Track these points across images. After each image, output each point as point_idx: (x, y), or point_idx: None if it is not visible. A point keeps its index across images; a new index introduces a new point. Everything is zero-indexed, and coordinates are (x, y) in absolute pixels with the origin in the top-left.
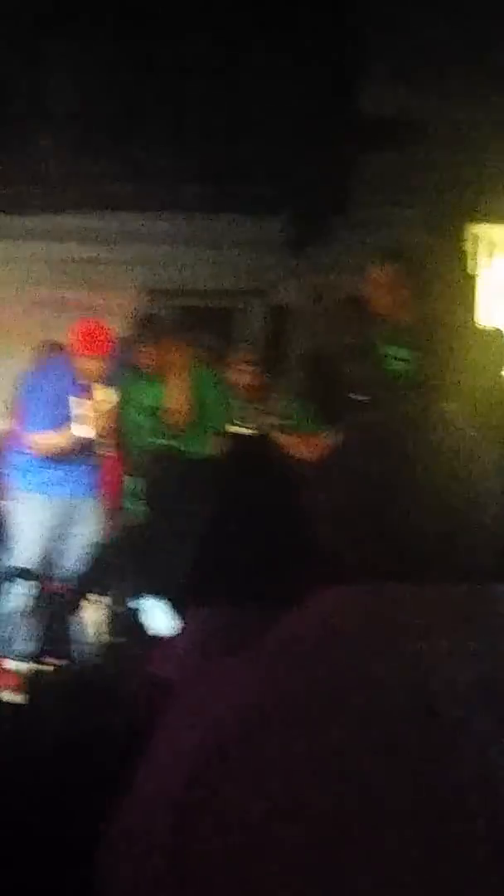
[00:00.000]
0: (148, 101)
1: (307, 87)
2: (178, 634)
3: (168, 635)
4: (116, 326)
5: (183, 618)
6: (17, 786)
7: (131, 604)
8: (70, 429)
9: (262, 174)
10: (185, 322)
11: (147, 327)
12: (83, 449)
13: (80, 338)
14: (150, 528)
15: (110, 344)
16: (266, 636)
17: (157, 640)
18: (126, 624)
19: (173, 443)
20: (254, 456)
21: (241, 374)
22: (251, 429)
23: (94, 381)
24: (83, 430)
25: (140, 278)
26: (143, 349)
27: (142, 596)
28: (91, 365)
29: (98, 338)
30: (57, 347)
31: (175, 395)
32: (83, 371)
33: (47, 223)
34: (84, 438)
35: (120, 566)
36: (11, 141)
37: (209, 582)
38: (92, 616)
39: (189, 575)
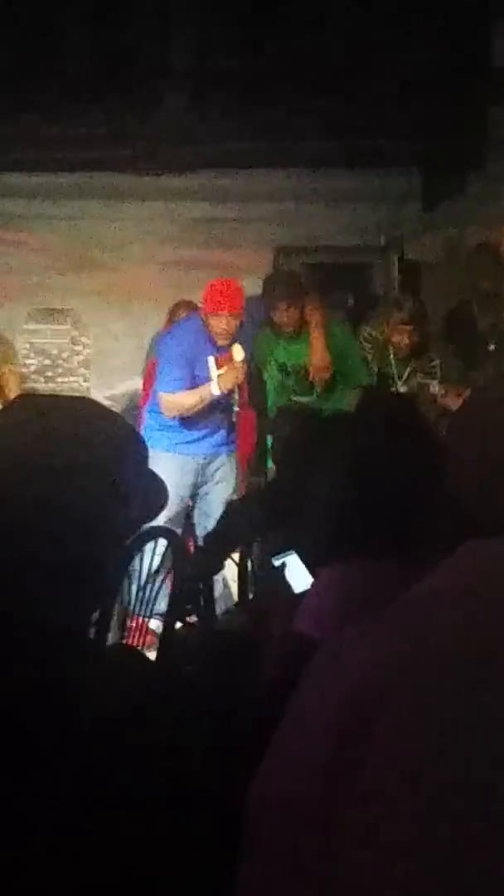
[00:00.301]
0: (276, 57)
1: (440, 41)
2: (317, 591)
3: (308, 592)
4: (249, 285)
5: (321, 574)
6: (156, 747)
7: (270, 561)
8: (205, 388)
9: (395, 128)
10: (320, 279)
11: (285, 284)
12: (218, 408)
13: (213, 296)
14: (287, 486)
15: (242, 302)
16: (409, 591)
17: (297, 597)
18: (265, 581)
19: (313, 400)
20: (399, 414)
21: (400, 334)
22: (407, 387)
23: (227, 341)
24: (218, 390)
25: (272, 236)
26: (282, 307)
27: (280, 553)
28: (224, 323)
29: (230, 296)
30: (190, 307)
31: (317, 353)
32: (216, 330)
33: (177, 183)
34: (219, 397)
35: (258, 524)
36: (140, 101)
37: (347, 538)
38: (230, 574)
39: (327, 531)
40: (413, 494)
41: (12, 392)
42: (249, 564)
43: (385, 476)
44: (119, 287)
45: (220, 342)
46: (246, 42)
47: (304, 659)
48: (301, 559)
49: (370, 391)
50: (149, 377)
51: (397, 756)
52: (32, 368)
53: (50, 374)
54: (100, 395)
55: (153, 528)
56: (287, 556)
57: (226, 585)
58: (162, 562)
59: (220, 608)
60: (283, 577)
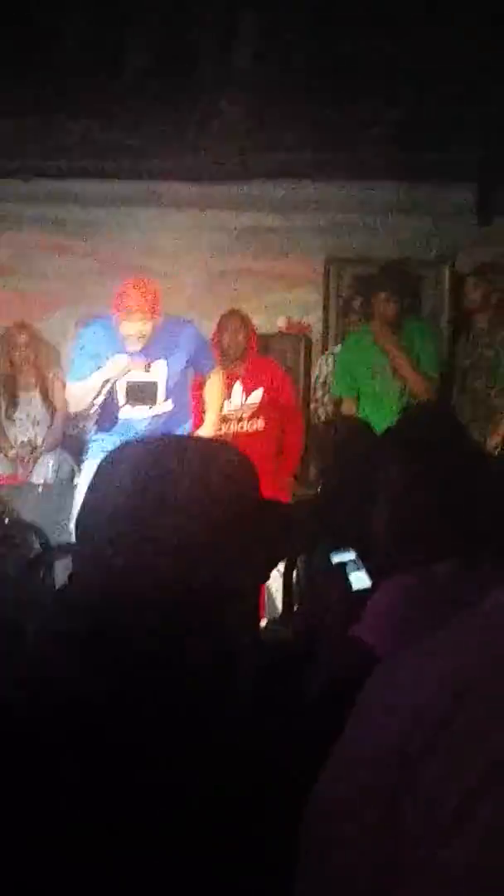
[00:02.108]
0: (334, 69)
1: (498, 54)
2: (378, 600)
3: (368, 600)
4: (299, 295)
5: (382, 584)
6: (214, 756)
7: (328, 565)
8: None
9: (450, 141)
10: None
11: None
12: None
13: (121, 298)
14: (342, 496)
15: (157, 304)
16: (476, 603)
17: (355, 604)
18: (323, 587)
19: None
20: (447, 426)
21: None
22: None
23: (139, 346)
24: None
25: (324, 247)
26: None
27: (339, 551)
28: (134, 328)
29: (139, 297)
30: (239, 317)
31: (410, 378)
32: (126, 333)
33: (231, 192)
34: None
35: (311, 535)
36: (198, 110)
37: (409, 549)
38: (275, 585)
39: (388, 542)
40: (473, 505)
41: (58, 398)
42: (295, 575)
43: (444, 486)
44: (169, 295)
45: (131, 348)
46: (303, 53)
47: (363, 670)
48: (360, 565)
49: (419, 404)
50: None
51: (462, 773)
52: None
53: None
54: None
55: None
56: (346, 554)
57: (269, 596)
58: None
59: (275, 613)
60: (342, 573)
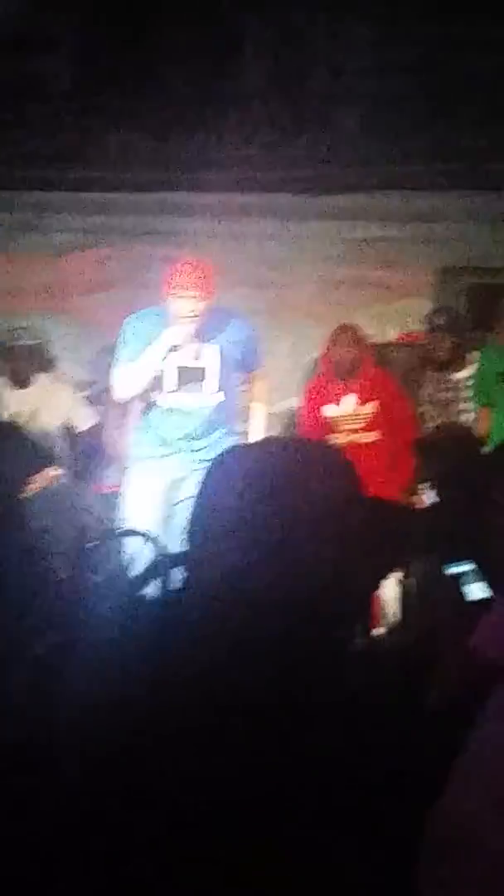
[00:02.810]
0: (447, 79)
1: None
2: (500, 612)
3: (490, 610)
4: (412, 305)
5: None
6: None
7: (444, 575)
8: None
9: None
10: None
11: None
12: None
13: (172, 277)
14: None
15: (210, 285)
16: None
17: (474, 616)
18: (438, 597)
19: None
20: None
21: None
22: None
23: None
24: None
25: (435, 256)
26: None
27: (456, 563)
28: (185, 307)
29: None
30: (352, 332)
31: None
32: (177, 313)
33: (343, 202)
34: None
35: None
36: (313, 121)
37: None
38: (395, 589)
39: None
40: None
41: None
42: (422, 579)
43: None
44: (283, 305)
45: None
46: (418, 64)
47: (482, 683)
48: (479, 575)
49: None
50: (311, 395)
51: None
52: None
53: None
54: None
55: None
56: (464, 565)
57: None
58: None
59: (389, 623)
60: (458, 586)
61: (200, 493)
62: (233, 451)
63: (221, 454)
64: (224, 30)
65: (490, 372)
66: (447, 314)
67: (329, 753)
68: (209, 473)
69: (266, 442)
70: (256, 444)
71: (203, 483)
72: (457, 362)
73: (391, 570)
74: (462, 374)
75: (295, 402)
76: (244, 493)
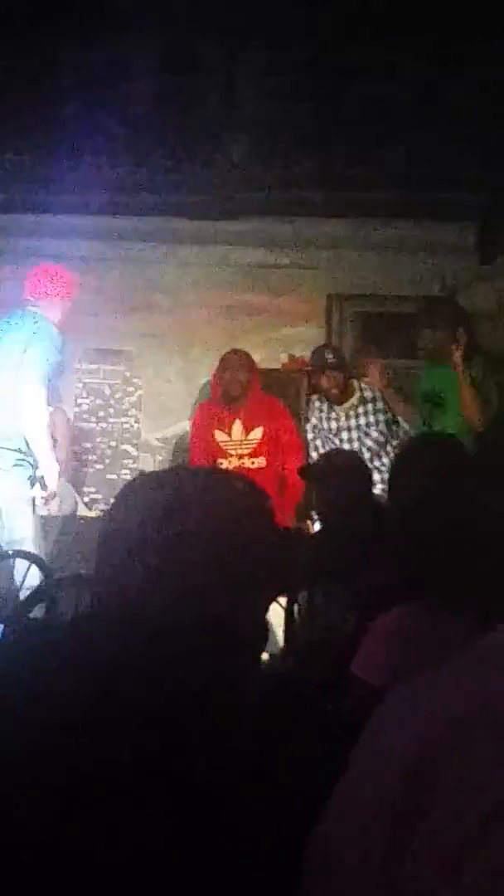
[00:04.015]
0: (339, 107)
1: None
2: (377, 635)
3: (367, 635)
4: (303, 332)
5: (380, 618)
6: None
7: (328, 600)
8: None
9: (455, 182)
10: (372, 327)
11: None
12: None
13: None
14: (342, 532)
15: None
16: (485, 637)
17: (354, 641)
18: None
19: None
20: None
21: None
22: None
23: None
24: None
25: (326, 284)
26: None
27: (331, 595)
28: None
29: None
30: (243, 356)
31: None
32: None
33: (235, 228)
34: None
35: (309, 570)
36: (201, 147)
37: (405, 584)
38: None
39: (385, 577)
40: (474, 541)
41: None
42: (296, 609)
43: (444, 522)
44: (173, 330)
45: None
46: (307, 91)
47: (367, 704)
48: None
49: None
50: (200, 419)
51: (466, 806)
52: (84, 408)
53: (102, 413)
54: (150, 437)
55: None
56: (334, 598)
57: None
58: None
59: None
60: (332, 619)
61: (107, 520)
62: (139, 478)
63: (129, 483)
64: (113, 57)
65: (420, 393)
66: (334, 352)
67: (223, 779)
68: (117, 499)
69: (172, 470)
70: (163, 472)
71: (110, 508)
72: (346, 392)
73: (278, 595)
74: (348, 403)
75: (185, 426)
76: (146, 519)
